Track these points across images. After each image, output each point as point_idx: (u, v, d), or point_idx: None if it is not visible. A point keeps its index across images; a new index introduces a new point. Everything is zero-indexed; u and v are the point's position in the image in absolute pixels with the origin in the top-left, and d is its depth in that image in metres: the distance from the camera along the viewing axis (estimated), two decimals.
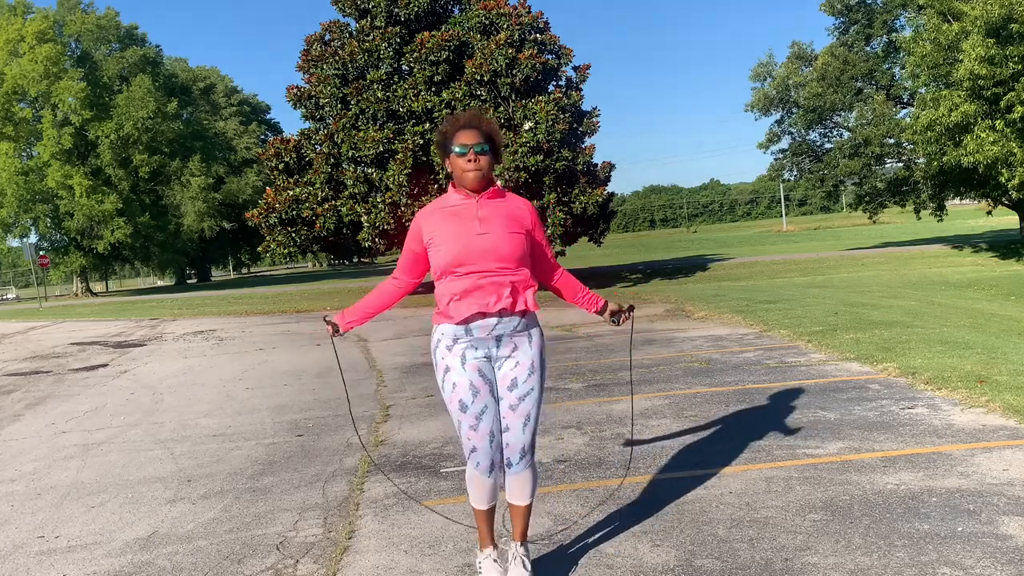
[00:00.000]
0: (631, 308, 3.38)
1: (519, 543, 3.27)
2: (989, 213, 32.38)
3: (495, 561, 3.25)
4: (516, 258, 3.03)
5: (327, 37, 22.36)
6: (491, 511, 3.23)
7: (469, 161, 2.98)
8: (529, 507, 3.24)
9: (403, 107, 20.24)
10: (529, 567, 3.25)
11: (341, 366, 4.53)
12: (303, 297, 26.20)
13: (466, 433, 3.08)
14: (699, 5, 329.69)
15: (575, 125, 21.38)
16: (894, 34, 30.61)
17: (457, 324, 3.03)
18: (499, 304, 3.00)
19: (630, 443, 5.11)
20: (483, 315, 3.01)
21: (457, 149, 3.00)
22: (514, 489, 3.19)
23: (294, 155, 21.65)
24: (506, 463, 3.13)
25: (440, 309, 3.07)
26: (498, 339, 3.06)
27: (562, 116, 19.70)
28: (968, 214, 57.05)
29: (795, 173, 35.24)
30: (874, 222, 39.98)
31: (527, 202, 3.23)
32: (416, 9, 21.05)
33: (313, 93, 21.55)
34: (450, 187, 3.14)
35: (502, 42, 19.70)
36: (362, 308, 3.29)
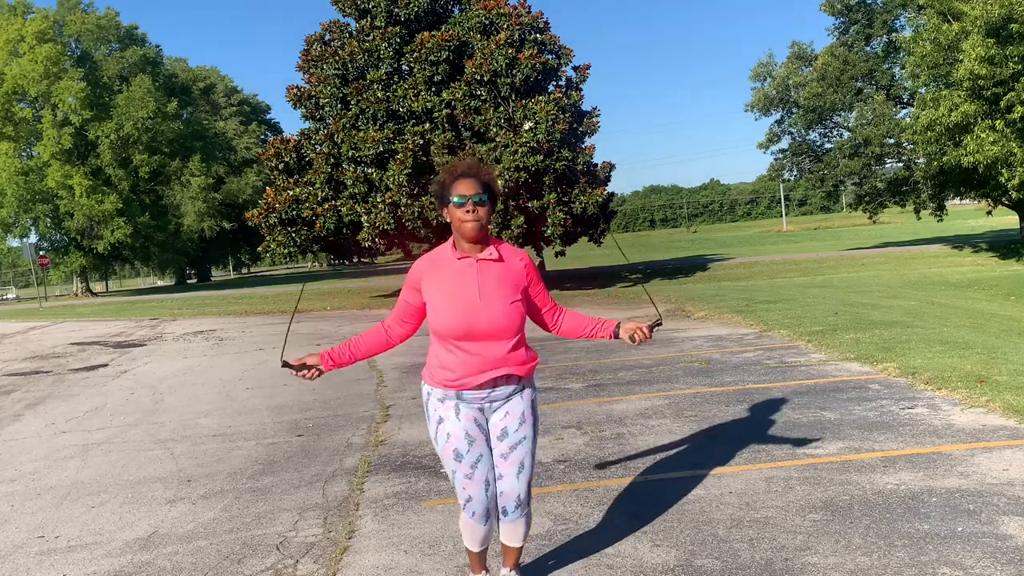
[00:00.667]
0: (657, 324, 3.16)
1: (510, 569, 3.23)
2: (989, 213, 32.37)
3: None
4: (515, 329, 2.95)
5: (327, 37, 22.35)
6: (484, 552, 3.22)
7: (467, 212, 2.89)
8: (521, 547, 3.20)
9: (403, 107, 20.24)
10: None
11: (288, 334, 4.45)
12: (303, 297, 26.20)
13: (461, 483, 3.01)
14: (699, 5, 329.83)
15: (575, 125, 21.37)
16: (894, 34, 30.61)
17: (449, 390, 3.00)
18: (493, 384, 2.97)
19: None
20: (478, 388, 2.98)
21: (455, 199, 2.90)
22: (508, 534, 3.13)
23: (294, 155, 21.64)
24: (501, 511, 3.06)
25: (432, 372, 3.02)
26: (491, 390, 3.02)
27: (562, 116, 19.69)
28: (968, 214, 57.05)
29: (795, 173, 35.23)
30: (874, 222, 39.97)
31: (525, 255, 3.11)
32: (416, 9, 21.04)
33: (313, 93, 21.54)
34: (450, 243, 3.02)
35: (502, 42, 19.69)
36: (350, 353, 3.13)
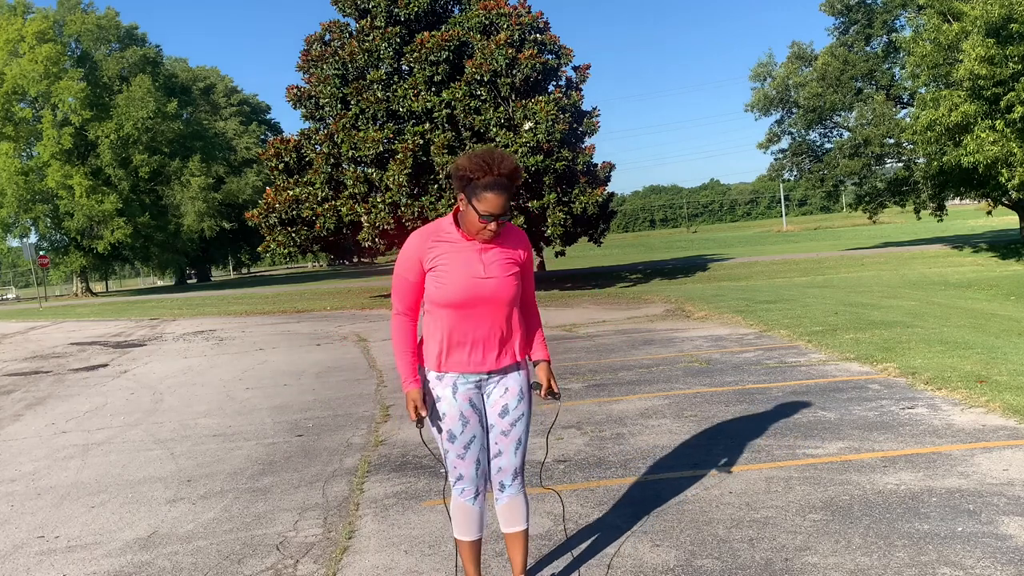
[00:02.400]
0: (555, 395, 3.09)
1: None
2: (989, 213, 32.37)
3: None
4: (511, 301, 2.92)
5: (327, 37, 22.36)
6: (478, 545, 3.13)
7: (489, 229, 2.83)
8: (527, 532, 3.15)
9: (403, 107, 20.24)
10: None
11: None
12: (303, 297, 26.19)
13: (453, 461, 3.00)
14: (699, 5, 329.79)
15: (575, 125, 21.38)
16: (894, 34, 30.60)
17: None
18: (489, 365, 2.95)
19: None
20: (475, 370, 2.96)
21: (481, 211, 2.78)
22: (509, 515, 3.10)
23: (294, 155, 21.64)
24: (498, 487, 3.07)
25: (428, 353, 2.95)
26: (489, 374, 3.01)
27: (562, 116, 19.70)
28: (968, 214, 57.04)
29: (795, 173, 35.24)
30: (874, 222, 39.97)
31: (523, 234, 3.09)
32: (416, 9, 21.05)
33: (313, 93, 21.55)
34: (450, 219, 2.93)
35: (502, 42, 19.70)
36: (412, 360, 2.99)
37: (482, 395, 3.02)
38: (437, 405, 2.97)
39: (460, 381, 2.95)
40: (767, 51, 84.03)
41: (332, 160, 20.79)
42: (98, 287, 54.13)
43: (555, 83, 22.01)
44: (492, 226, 2.81)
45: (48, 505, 4.95)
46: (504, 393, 3.02)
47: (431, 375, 2.97)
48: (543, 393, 3.06)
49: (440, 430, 2.99)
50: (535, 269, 28.30)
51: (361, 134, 20.08)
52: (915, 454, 4.60)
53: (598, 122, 22.09)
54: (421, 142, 19.90)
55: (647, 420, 5.83)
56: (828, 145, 33.78)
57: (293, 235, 21.21)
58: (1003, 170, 21.43)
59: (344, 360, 10.39)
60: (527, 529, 3.15)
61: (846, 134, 32.49)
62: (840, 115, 32.22)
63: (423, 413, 2.95)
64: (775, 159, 34.81)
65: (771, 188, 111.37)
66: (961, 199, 32.28)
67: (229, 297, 29.37)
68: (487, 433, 3.05)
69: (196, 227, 46.03)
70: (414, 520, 4.15)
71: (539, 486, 4.36)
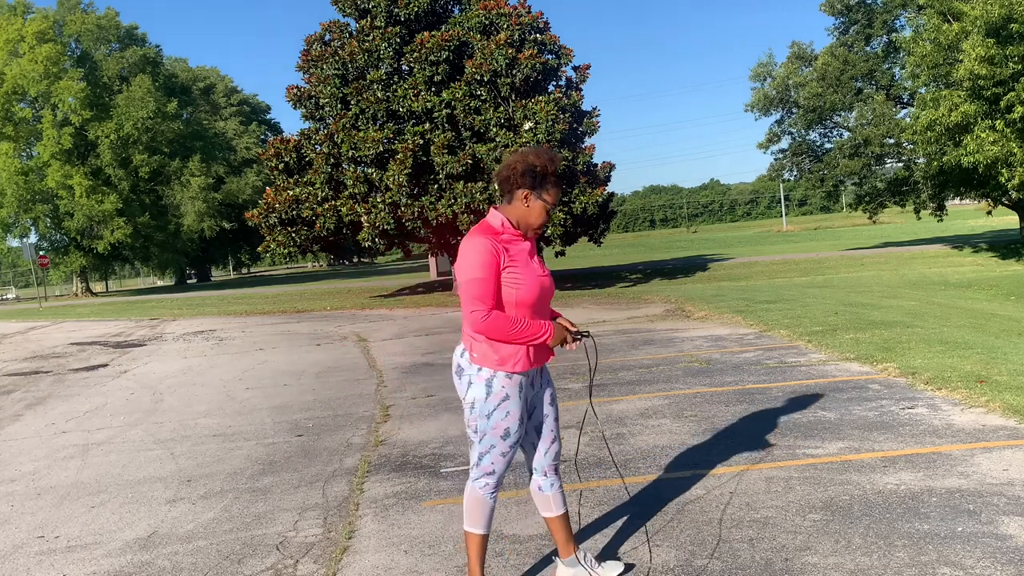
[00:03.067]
0: (584, 335, 3.19)
1: (580, 553, 3.30)
2: (989, 213, 32.35)
3: None
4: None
5: (327, 37, 22.34)
6: (487, 540, 3.21)
7: (550, 218, 3.10)
8: (567, 514, 3.31)
9: (403, 107, 20.23)
10: (610, 558, 3.40)
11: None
12: (303, 297, 26.20)
13: (493, 458, 3.10)
14: (699, 5, 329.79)
15: (575, 125, 21.37)
16: (894, 34, 30.59)
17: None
18: (546, 357, 3.14)
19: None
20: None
21: (551, 204, 3.04)
22: (554, 501, 3.24)
23: (294, 155, 21.63)
24: (552, 473, 3.23)
25: (499, 353, 2.99)
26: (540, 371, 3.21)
27: (562, 116, 19.69)
28: (968, 214, 57.04)
29: (795, 173, 35.21)
30: (874, 222, 39.96)
31: None
32: (416, 9, 21.04)
33: (313, 93, 21.54)
34: (500, 219, 3.02)
35: (502, 42, 19.69)
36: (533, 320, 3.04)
37: (533, 392, 3.16)
38: (504, 403, 3.03)
39: (524, 381, 3.07)
40: (767, 51, 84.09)
41: (332, 160, 20.78)
42: (98, 287, 54.14)
43: (555, 83, 21.99)
44: (543, 221, 3.06)
45: (48, 505, 4.95)
46: (548, 383, 3.22)
47: (500, 376, 3.01)
48: (573, 341, 3.10)
49: (497, 426, 3.05)
50: None
51: (361, 134, 20.08)
52: (915, 454, 4.60)
53: (598, 122, 22.08)
54: (421, 142, 19.89)
55: (647, 420, 5.83)
56: (828, 145, 33.77)
57: (293, 235, 21.21)
58: (1003, 170, 21.42)
59: (344, 360, 10.39)
60: (567, 511, 3.31)
61: (846, 134, 32.48)
62: (840, 115, 32.21)
63: (574, 330, 3.10)
64: (775, 159, 34.80)
65: (771, 188, 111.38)
66: (961, 199, 32.26)
67: (229, 297, 29.37)
68: (539, 425, 3.21)
69: (196, 227, 46.03)
70: (414, 520, 4.15)
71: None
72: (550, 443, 3.21)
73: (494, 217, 3.03)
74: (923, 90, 24.86)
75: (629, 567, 3.41)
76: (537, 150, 3.08)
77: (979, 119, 21.16)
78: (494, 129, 19.66)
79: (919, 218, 34.81)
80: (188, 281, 61.09)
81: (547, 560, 3.55)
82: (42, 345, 15.77)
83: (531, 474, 3.27)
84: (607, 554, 3.57)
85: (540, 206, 3.01)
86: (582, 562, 3.28)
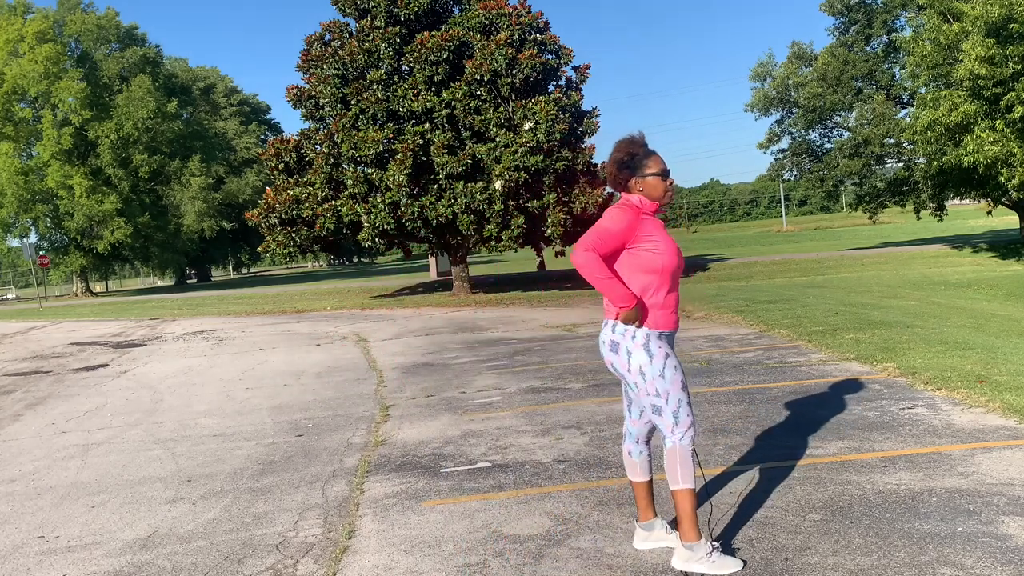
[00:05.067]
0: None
1: (656, 517, 3.63)
2: (989, 213, 32.35)
3: (719, 551, 3.35)
4: None
5: (327, 37, 22.34)
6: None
7: (670, 184, 3.32)
8: (652, 481, 3.67)
9: (403, 107, 20.23)
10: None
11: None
12: (303, 297, 26.20)
13: (686, 410, 3.35)
14: (699, 5, 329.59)
15: (575, 125, 21.37)
16: (894, 34, 30.58)
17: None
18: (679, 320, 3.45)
19: None
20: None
21: (659, 173, 3.29)
22: (643, 467, 3.61)
23: (294, 155, 21.63)
24: (644, 442, 3.62)
25: (654, 316, 3.31)
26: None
27: (562, 116, 19.69)
28: (968, 214, 57.03)
29: (795, 173, 35.21)
30: (874, 222, 39.96)
31: None
32: (416, 9, 21.03)
33: (313, 93, 21.54)
34: (640, 198, 3.32)
35: (502, 42, 19.69)
36: (620, 281, 3.30)
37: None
38: (668, 359, 3.32)
39: (670, 339, 3.40)
40: (767, 51, 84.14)
41: (332, 160, 20.78)
42: (98, 287, 54.13)
43: (555, 83, 21.99)
44: (670, 180, 3.33)
45: (48, 505, 4.95)
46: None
47: (652, 336, 3.30)
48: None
49: (674, 381, 3.32)
50: (535, 269, 28.13)
51: (361, 134, 20.07)
52: (915, 454, 4.60)
53: (598, 122, 22.08)
54: (421, 142, 19.89)
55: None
56: (828, 145, 33.76)
57: (293, 235, 21.21)
58: (1003, 170, 21.41)
59: (344, 360, 10.39)
60: (652, 479, 3.65)
61: (846, 134, 32.47)
62: (840, 115, 32.20)
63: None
64: (775, 159, 34.80)
65: (771, 188, 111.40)
66: (961, 199, 32.27)
67: (229, 297, 29.38)
68: None
69: (196, 227, 46.04)
70: (414, 520, 4.15)
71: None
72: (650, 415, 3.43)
73: (630, 199, 3.34)
74: (923, 90, 24.85)
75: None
76: (619, 144, 3.38)
77: (979, 119, 21.16)
78: (494, 129, 19.66)
79: (919, 218, 34.80)
80: (188, 281, 61.10)
81: (547, 560, 3.55)
82: (42, 345, 15.77)
83: (625, 438, 3.60)
84: (606, 554, 3.57)
85: (655, 181, 3.29)
86: (659, 527, 3.55)
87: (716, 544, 3.35)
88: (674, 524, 3.51)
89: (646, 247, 3.26)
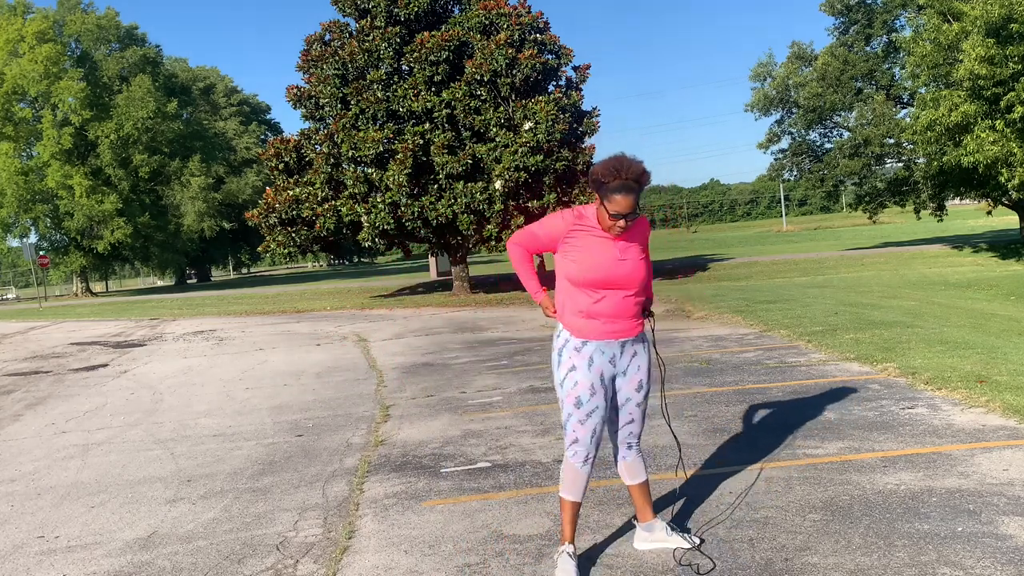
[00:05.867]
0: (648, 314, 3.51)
1: (655, 519, 3.57)
2: (989, 213, 32.33)
3: (570, 556, 3.37)
4: (643, 282, 3.34)
5: (327, 37, 22.33)
6: (578, 506, 3.42)
7: (619, 226, 3.21)
8: (647, 482, 3.59)
9: (403, 107, 20.23)
10: (682, 533, 3.55)
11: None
12: (303, 297, 26.20)
13: (573, 426, 3.34)
14: (699, 5, 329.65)
15: (575, 125, 21.36)
16: (894, 34, 30.57)
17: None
18: (621, 334, 3.33)
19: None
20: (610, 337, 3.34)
21: (611, 211, 3.18)
22: (632, 471, 3.54)
23: (294, 155, 21.62)
24: (626, 447, 3.53)
25: (571, 320, 3.33)
26: (622, 345, 3.37)
27: (562, 116, 19.69)
28: (968, 214, 57.01)
29: (795, 173, 35.19)
30: (874, 222, 39.94)
31: (645, 220, 3.44)
32: (416, 9, 21.02)
33: (313, 93, 21.53)
34: (592, 209, 3.31)
35: (502, 42, 19.68)
36: (535, 276, 3.48)
37: (614, 370, 3.36)
38: (572, 372, 3.32)
39: (596, 354, 3.30)
40: (767, 51, 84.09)
41: (332, 160, 20.77)
42: (98, 287, 54.13)
43: (555, 83, 21.98)
44: (621, 223, 3.20)
45: (48, 505, 4.95)
46: (638, 370, 3.41)
47: (573, 342, 3.32)
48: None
49: (568, 394, 3.33)
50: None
51: (361, 134, 20.07)
52: (915, 454, 4.60)
53: (598, 122, 22.07)
54: (421, 142, 19.89)
55: (647, 420, 5.82)
56: (828, 145, 33.75)
57: (293, 235, 21.20)
58: (1003, 170, 21.40)
59: (344, 360, 10.39)
60: (647, 480, 3.59)
61: (846, 134, 32.46)
62: (840, 115, 32.18)
63: (553, 311, 3.39)
64: (775, 159, 34.78)
65: (771, 188, 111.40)
66: (961, 199, 32.25)
67: (229, 297, 29.38)
68: (617, 407, 3.44)
69: (196, 227, 46.03)
70: (414, 520, 4.15)
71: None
72: (625, 423, 3.47)
73: (581, 208, 3.36)
74: (923, 90, 24.84)
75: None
76: (607, 160, 3.25)
77: (979, 119, 21.15)
78: (494, 129, 19.66)
79: (919, 218, 34.79)
80: (188, 281, 61.10)
81: (548, 560, 3.55)
82: (42, 345, 15.77)
83: (617, 449, 3.59)
84: (606, 554, 3.57)
85: (603, 212, 3.21)
86: (659, 528, 3.55)
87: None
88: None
89: (569, 255, 3.29)
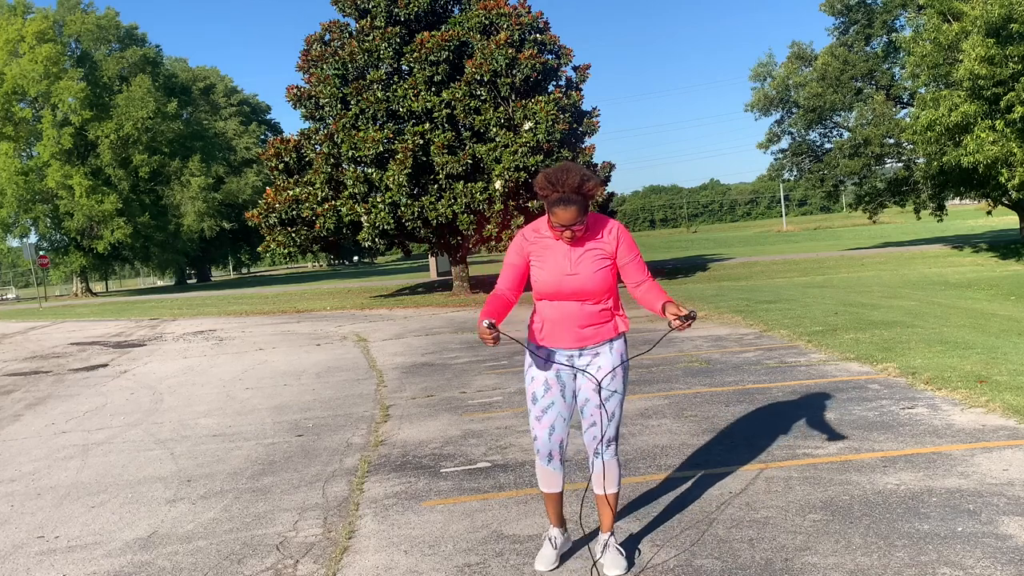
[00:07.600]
0: (691, 315, 3.17)
1: (609, 534, 3.46)
2: (989, 213, 32.35)
3: (550, 541, 3.48)
4: (598, 292, 3.30)
5: (327, 37, 22.33)
6: (557, 496, 3.47)
7: (564, 235, 3.23)
8: (616, 496, 3.47)
9: (403, 107, 20.23)
10: (624, 554, 3.42)
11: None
12: (303, 297, 26.20)
13: (531, 423, 3.43)
14: (699, 4, 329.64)
15: (575, 125, 21.36)
16: (894, 34, 30.57)
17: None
18: (580, 342, 3.34)
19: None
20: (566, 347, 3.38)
21: (554, 223, 3.21)
22: (597, 479, 3.43)
23: (294, 155, 21.63)
24: (593, 454, 3.41)
25: (534, 327, 3.44)
26: (581, 351, 3.38)
27: (562, 116, 19.69)
28: (968, 214, 57.03)
29: (795, 173, 35.21)
30: (874, 222, 39.96)
31: (608, 221, 3.36)
32: (416, 9, 21.03)
33: (313, 93, 21.53)
34: (546, 219, 3.31)
35: (502, 42, 19.69)
36: (491, 311, 3.30)
37: (574, 372, 3.38)
38: (529, 370, 3.44)
39: (554, 356, 3.37)
40: (767, 51, 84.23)
41: (332, 160, 20.78)
42: (98, 287, 54.14)
43: (555, 83, 21.99)
44: (567, 234, 3.22)
45: (48, 505, 4.95)
46: (598, 371, 3.36)
47: (531, 345, 3.44)
48: (680, 325, 3.15)
49: (527, 392, 3.43)
50: None
51: (361, 134, 20.07)
52: (915, 454, 4.60)
53: (598, 122, 22.08)
54: (421, 142, 19.89)
55: (647, 420, 5.83)
56: (828, 145, 33.76)
57: (293, 235, 21.21)
58: (1003, 170, 21.41)
59: (344, 360, 10.39)
60: (617, 493, 3.47)
61: (846, 134, 32.47)
62: (840, 115, 32.20)
63: (489, 336, 3.18)
64: (775, 159, 34.80)
65: (771, 188, 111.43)
66: (961, 199, 32.26)
67: (229, 297, 29.38)
68: (575, 407, 3.43)
69: (196, 227, 46.02)
70: (414, 520, 4.15)
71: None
72: (588, 426, 3.41)
73: (528, 227, 3.43)
74: (923, 90, 24.85)
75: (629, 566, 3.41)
76: (547, 172, 3.21)
77: (979, 119, 21.15)
78: (494, 129, 19.66)
79: (919, 218, 34.81)
80: (188, 281, 61.10)
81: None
82: (42, 345, 15.77)
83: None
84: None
85: (551, 222, 3.24)
86: (603, 542, 3.44)
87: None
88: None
89: (535, 264, 3.35)
